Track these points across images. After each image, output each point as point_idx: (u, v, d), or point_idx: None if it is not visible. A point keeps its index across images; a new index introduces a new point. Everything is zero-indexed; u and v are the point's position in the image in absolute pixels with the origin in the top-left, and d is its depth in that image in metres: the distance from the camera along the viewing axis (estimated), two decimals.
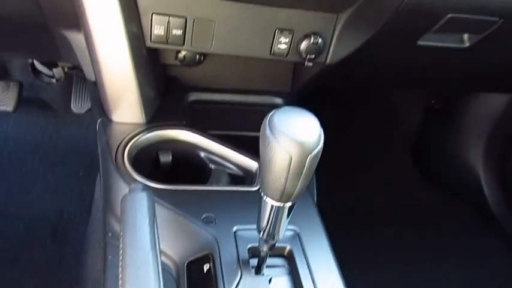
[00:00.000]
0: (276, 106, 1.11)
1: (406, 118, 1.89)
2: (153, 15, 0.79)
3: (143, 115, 0.88)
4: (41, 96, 1.66)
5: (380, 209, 1.68)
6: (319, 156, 0.52)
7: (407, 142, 1.87)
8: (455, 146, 1.75)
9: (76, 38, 0.89)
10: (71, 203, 1.46)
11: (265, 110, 1.09)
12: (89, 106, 1.50)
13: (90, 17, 0.76)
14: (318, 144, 0.50)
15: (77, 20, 0.80)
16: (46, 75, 1.59)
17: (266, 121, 0.52)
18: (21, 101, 1.50)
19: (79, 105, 1.49)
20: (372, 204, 1.68)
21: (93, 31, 0.78)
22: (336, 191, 1.58)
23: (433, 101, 1.77)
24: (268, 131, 0.51)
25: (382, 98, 1.83)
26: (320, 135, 0.51)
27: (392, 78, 1.22)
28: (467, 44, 1.00)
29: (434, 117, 1.81)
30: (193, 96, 1.05)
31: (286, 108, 0.53)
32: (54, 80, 1.60)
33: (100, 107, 0.91)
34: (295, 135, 0.50)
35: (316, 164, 0.52)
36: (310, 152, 0.50)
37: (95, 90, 0.92)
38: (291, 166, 0.50)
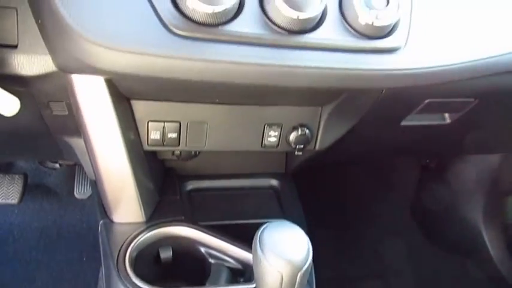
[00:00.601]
0: (272, 188, 1.15)
1: (403, 177, 1.92)
2: (149, 123, 0.85)
3: (143, 214, 0.91)
4: (45, 182, 1.71)
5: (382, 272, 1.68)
6: (310, 269, 0.54)
7: (405, 201, 1.89)
8: (453, 203, 1.76)
9: (77, 143, 0.94)
10: None
11: (262, 192, 1.14)
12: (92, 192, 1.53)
13: (89, 127, 0.81)
14: (307, 260, 0.53)
15: (78, 129, 0.85)
16: (50, 161, 1.65)
17: (257, 239, 0.55)
18: (26, 189, 1.54)
19: (82, 192, 1.53)
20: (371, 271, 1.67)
21: (92, 139, 0.83)
22: (335, 258, 1.59)
23: (427, 160, 1.81)
24: (259, 250, 0.54)
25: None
26: (309, 251, 0.54)
27: (381, 152, 1.26)
28: (448, 121, 1.05)
29: (430, 175, 1.84)
30: (191, 185, 1.09)
31: (275, 224, 0.57)
32: (57, 165, 1.65)
33: (101, 207, 0.95)
34: (284, 254, 0.53)
35: (308, 276, 0.55)
36: (300, 269, 0.52)
37: (96, 189, 0.96)
38: (283, 283, 0.52)
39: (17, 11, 0.71)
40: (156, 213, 0.95)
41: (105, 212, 0.93)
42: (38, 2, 0.64)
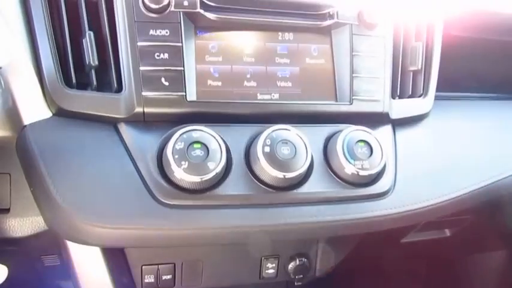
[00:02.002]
0: None
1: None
2: (143, 267, 0.83)
3: None
4: None
5: None
6: None
7: None
8: None
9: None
10: None
11: None
12: None
13: (81, 277, 0.79)
14: None
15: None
16: None
17: None
18: None
19: None
20: None
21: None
22: None
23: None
24: None
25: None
26: None
27: (384, 265, 1.23)
28: (448, 234, 1.04)
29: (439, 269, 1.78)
30: None
31: None
32: None
33: None
34: None
35: None
36: None
37: None
38: None
39: (10, 176, 0.72)
40: None
41: None
42: (33, 179, 0.66)
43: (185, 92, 0.67)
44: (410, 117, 0.82)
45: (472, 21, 0.95)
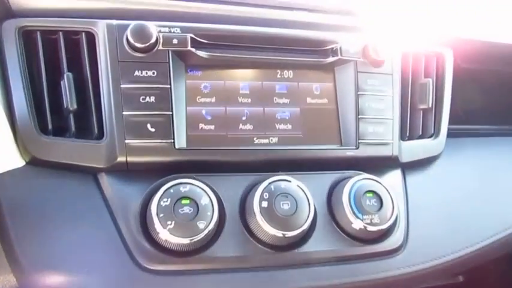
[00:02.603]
0: None
1: None
2: None
3: None
4: None
5: None
6: None
7: None
8: None
9: None
10: None
11: None
12: None
13: None
14: None
15: None
16: None
17: None
18: None
19: None
20: None
21: None
22: None
23: None
24: None
25: None
26: None
27: None
28: (461, 279, 0.96)
29: None
30: None
31: None
32: None
33: None
34: None
35: None
36: None
37: None
38: None
39: None
40: None
41: None
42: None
43: (173, 138, 0.60)
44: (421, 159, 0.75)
45: (482, 52, 0.89)
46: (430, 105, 0.76)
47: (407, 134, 0.75)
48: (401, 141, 0.72)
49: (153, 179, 0.59)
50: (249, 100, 0.66)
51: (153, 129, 0.59)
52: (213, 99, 0.65)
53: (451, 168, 0.79)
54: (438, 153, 0.77)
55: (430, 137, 0.77)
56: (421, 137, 0.77)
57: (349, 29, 0.74)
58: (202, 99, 0.64)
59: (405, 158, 0.72)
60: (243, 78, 0.66)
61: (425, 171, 0.76)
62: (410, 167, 0.74)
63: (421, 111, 0.77)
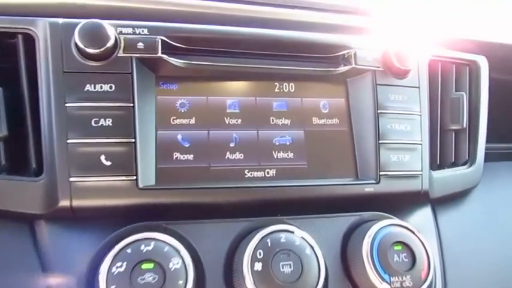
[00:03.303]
0: None
1: None
2: None
3: None
4: None
5: None
6: None
7: None
8: None
9: None
10: None
11: None
12: None
13: None
14: None
15: None
16: None
17: None
18: None
19: None
20: None
21: None
22: None
23: None
24: None
25: None
26: None
27: None
28: None
29: None
30: None
31: None
32: None
33: None
34: None
35: None
36: None
37: None
38: None
39: None
40: None
41: None
42: None
43: (136, 174, 0.45)
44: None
45: None
46: (464, 125, 0.61)
47: (438, 162, 0.60)
48: (431, 172, 0.57)
49: (106, 231, 0.43)
50: (239, 121, 0.51)
51: (108, 163, 0.44)
52: (192, 121, 0.50)
53: (489, 202, 0.64)
54: (475, 185, 0.62)
55: (464, 164, 0.62)
56: (453, 164, 0.62)
57: (364, 31, 0.59)
58: (178, 121, 0.50)
59: (436, 193, 0.57)
60: (231, 93, 0.52)
61: (459, 208, 0.62)
62: (441, 202, 0.59)
63: (453, 133, 0.62)
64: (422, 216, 0.56)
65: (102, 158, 0.44)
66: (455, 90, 0.63)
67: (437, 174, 0.58)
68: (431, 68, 0.61)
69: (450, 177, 0.60)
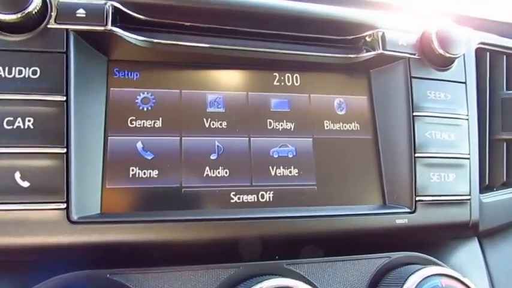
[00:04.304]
0: None
1: None
2: None
3: None
4: None
5: None
6: None
7: None
8: None
9: None
10: None
11: None
12: None
13: None
14: None
15: None
16: None
17: None
18: None
19: None
20: None
21: None
22: None
23: None
24: None
25: None
26: None
27: None
28: None
29: None
30: None
31: None
32: None
33: None
34: None
35: None
36: None
37: None
38: None
39: None
40: None
41: None
42: None
43: (68, 200, 0.31)
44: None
45: None
46: None
47: (487, 182, 0.46)
48: (481, 195, 0.43)
49: (22, 284, 0.29)
50: (224, 124, 0.38)
51: (25, 184, 0.30)
52: (159, 123, 0.37)
53: None
54: None
55: None
56: (504, 185, 0.48)
57: (394, 7, 0.45)
58: (139, 123, 0.36)
59: (487, 224, 0.43)
60: (213, 86, 0.39)
61: (508, 240, 0.48)
62: (489, 235, 0.45)
63: (504, 143, 0.48)
64: (469, 254, 0.43)
65: (17, 176, 0.31)
66: (507, 89, 0.50)
67: (487, 198, 0.44)
68: (477, 59, 0.47)
69: (502, 202, 0.46)
